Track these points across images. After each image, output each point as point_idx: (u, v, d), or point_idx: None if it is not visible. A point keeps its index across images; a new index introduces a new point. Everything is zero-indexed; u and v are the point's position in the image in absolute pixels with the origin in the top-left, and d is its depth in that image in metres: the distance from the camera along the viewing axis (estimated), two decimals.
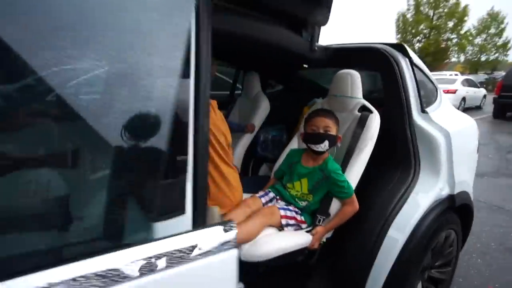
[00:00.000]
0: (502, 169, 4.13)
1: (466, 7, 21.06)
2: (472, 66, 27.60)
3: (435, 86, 1.67)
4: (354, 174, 1.26)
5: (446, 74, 12.13)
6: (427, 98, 1.49)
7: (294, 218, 1.23)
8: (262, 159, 2.17)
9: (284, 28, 1.23)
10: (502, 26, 23.40)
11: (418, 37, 23.20)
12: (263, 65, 2.23)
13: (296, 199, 1.29)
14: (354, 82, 1.41)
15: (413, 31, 22.97)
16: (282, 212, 1.21)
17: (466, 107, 9.77)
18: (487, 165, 4.32)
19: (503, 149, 5.16)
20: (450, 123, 1.44)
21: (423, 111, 1.38)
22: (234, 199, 1.22)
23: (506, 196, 3.26)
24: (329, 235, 1.26)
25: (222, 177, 1.17)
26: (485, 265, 2.06)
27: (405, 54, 1.41)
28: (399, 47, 1.42)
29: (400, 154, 1.36)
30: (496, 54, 25.49)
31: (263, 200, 1.31)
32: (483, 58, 26.04)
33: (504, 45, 24.31)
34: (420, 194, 1.25)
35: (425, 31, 22.81)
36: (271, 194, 1.35)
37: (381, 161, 1.41)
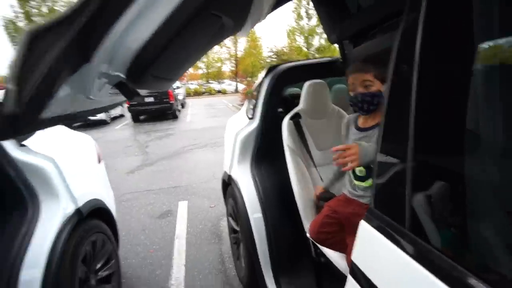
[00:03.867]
0: (144, 161, 5.42)
1: None
2: None
3: None
4: None
5: None
6: None
7: None
8: None
9: None
10: None
11: None
12: None
13: None
14: None
15: None
16: None
17: (113, 117, 11.26)
18: (135, 161, 5.44)
19: (143, 146, 6.73)
20: (55, 148, 1.59)
21: (21, 145, 1.40)
22: None
23: (151, 180, 4.37)
24: None
25: None
26: (146, 234, 2.70)
27: None
28: None
29: (11, 195, 1.29)
30: None
31: None
32: None
33: None
34: (46, 223, 1.30)
35: None
36: None
37: None
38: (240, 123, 1.98)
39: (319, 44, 23.02)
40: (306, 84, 1.58)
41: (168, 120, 10.68)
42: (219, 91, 27.39)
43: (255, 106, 1.84)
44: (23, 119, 0.41)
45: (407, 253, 0.49)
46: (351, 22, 1.64)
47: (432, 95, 0.54)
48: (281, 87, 1.81)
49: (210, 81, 31.40)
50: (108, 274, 1.75)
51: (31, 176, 1.36)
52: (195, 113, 12.63)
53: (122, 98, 0.86)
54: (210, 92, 26.45)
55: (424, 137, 0.53)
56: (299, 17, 23.10)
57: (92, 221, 1.65)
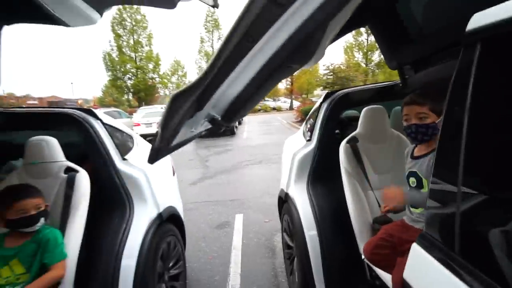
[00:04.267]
0: (205, 174, 5.90)
1: (157, 54, 26.66)
2: None
3: (130, 135, 2.15)
4: (75, 233, 1.37)
5: (158, 108, 14.63)
6: (124, 147, 1.91)
7: None
8: None
9: None
10: (184, 70, 32.27)
11: (128, 75, 25.88)
12: None
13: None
14: (51, 147, 1.50)
15: (122, 69, 25.30)
16: None
17: None
18: (196, 174, 5.96)
19: (203, 159, 7.34)
20: (145, 161, 1.95)
21: (123, 159, 1.77)
22: None
23: (210, 192, 4.75)
24: None
25: None
26: (206, 242, 2.97)
27: (96, 117, 1.72)
28: (88, 111, 1.71)
29: (115, 198, 1.65)
30: None
31: None
32: None
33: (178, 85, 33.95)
34: (138, 223, 1.62)
35: (132, 70, 25.86)
36: None
37: (102, 207, 1.64)
38: (297, 144, 2.11)
39: (380, 59, 22.00)
40: (365, 110, 1.64)
41: (226, 136, 11.40)
42: (274, 108, 28.05)
43: (312, 129, 1.95)
44: (162, 149, 0.62)
45: (457, 276, 0.54)
46: (414, 48, 1.66)
47: (485, 128, 0.60)
48: (338, 112, 1.90)
49: (266, 99, 32.38)
50: (177, 273, 2.01)
51: (129, 183, 1.71)
52: (251, 130, 13.18)
53: (208, 126, 1.09)
54: (265, 110, 27.29)
55: (475, 166, 0.59)
56: (358, 33, 22.57)
57: (168, 225, 1.95)
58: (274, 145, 8.16)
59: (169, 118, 0.59)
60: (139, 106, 22.41)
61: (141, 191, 1.73)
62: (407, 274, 0.66)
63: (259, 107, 27.81)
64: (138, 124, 11.11)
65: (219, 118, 0.78)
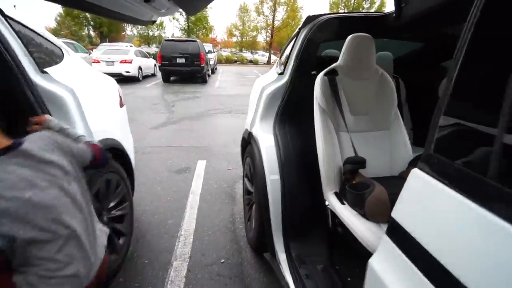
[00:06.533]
0: (169, 119, 5.47)
1: None
2: (145, 40, 32.30)
3: (59, 48, 1.68)
4: None
5: (122, 45, 13.12)
6: (45, 58, 1.48)
7: None
8: None
9: None
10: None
11: None
12: None
13: None
14: None
15: None
16: None
17: (144, 75, 11.42)
18: (160, 118, 5.51)
19: (169, 105, 6.80)
20: (77, 81, 1.55)
21: (42, 71, 1.36)
22: None
23: (173, 137, 4.41)
24: None
25: None
26: (162, 186, 2.74)
27: None
28: None
29: (26, 116, 1.28)
30: (158, 31, 31.69)
31: None
32: (151, 33, 31.33)
33: (161, 24, 30.65)
34: None
35: None
36: None
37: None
38: (268, 79, 1.82)
39: None
40: (350, 37, 1.36)
41: (197, 83, 10.66)
42: (251, 61, 26.78)
43: (287, 60, 1.65)
44: None
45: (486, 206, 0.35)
46: None
47: None
48: (319, 42, 1.60)
49: (244, 50, 30.67)
50: (121, 214, 1.77)
51: (49, 103, 1.33)
52: (224, 80, 12.47)
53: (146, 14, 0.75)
54: (242, 61, 25.95)
55: None
56: None
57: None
58: (247, 96, 7.76)
59: None
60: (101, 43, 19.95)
61: (67, 113, 1.37)
62: (397, 211, 0.46)
63: (235, 57, 26.39)
64: (98, 61, 9.83)
65: None
